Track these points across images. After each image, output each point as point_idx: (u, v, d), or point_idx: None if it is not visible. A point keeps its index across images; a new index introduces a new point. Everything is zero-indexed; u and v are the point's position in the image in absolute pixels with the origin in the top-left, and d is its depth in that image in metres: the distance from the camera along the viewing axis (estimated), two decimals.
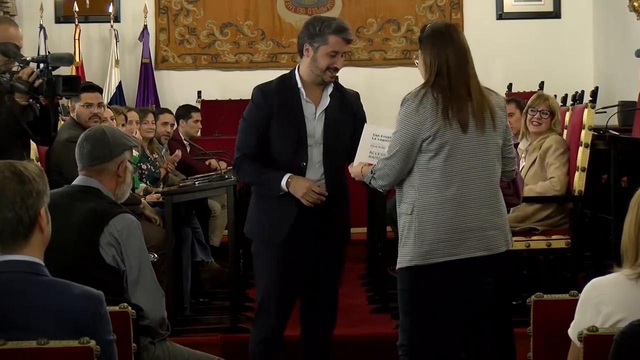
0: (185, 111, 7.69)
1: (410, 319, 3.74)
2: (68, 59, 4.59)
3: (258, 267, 4.17)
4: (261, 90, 4.11)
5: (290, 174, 3.96)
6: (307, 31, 4.06)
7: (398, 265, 3.71)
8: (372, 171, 3.70)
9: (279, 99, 4.05)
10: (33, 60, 4.43)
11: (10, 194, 2.45)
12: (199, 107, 8.72)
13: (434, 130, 3.58)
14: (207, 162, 7.46)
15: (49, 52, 4.54)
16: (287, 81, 4.11)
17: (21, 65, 4.39)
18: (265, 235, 4.09)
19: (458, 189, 3.60)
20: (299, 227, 4.02)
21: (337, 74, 4.09)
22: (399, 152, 3.62)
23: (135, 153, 5.93)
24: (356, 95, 4.30)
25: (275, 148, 4.04)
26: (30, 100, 4.39)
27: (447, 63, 3.63)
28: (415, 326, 3.73)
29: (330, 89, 4.10)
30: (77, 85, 4.51)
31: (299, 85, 4.07)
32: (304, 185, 3.95)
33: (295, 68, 4.14)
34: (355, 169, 3.87)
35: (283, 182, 3.96)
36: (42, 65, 4.39)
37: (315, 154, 4.04)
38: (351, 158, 3.97)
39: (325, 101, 4.08)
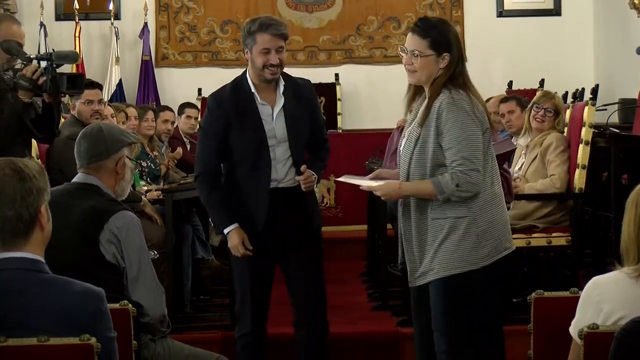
0: (180, 107, 7.71)
1: (467, 325, 3.65)
2: (72, 57, 4.60)
3: (235, 269, 4.22)
4: (215, 98, 4.13)
5: (233, 228, 4.03)
6: (242, 36, 4.13)
7: (456, 271, 3.56)
8: (457, 185, 3.49)
9: (233, 105, 4.06)
10: (37, 58, 4.43)
11: (11, 191, 2.45)
12: (197, 104, 8.72)
13: (483, 129, 3.62)
14: None
15: (53, 50, 4.53)
16: (239, 85, 4.12)
17: (24, 62, 4.39)
18: None
19: (498, 185, 3.68)
20: (270, 228, 4.05)
21: (277, 69, 4.05)
22: (480, 155, 3.56)
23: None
24: (309, 87, 4.27)
25: (237, 153, 4.06)
26: (33, 98, 4.39)
27: (464, 60, 3.68)
28: (470, 330, 3.67)
29: (282, 87, 4.10)
30: (80, 83, 4.51)
31: (252, 89, 4.08)
32: (236, 242, 4.02)
33: (245, 72, 4.15)
34: (387, 187, 3.69)
35: (226, 231, 4.04)
36: (46, 62, 4.39)
37: (280, 152, 4.06)
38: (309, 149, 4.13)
39: (280, 101, 4.09)
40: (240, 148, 4.04)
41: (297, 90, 4.15)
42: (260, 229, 4.04)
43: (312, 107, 4.21)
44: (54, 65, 4.32)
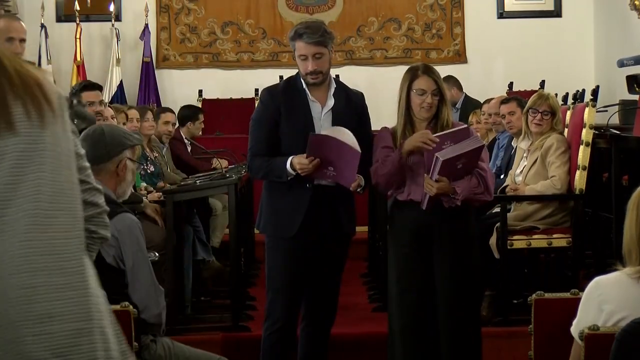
0: (192, 113, 7.68)
1: None
2: (91, 119, 4.59)
3: (270, 261, 4.24)
4: (268, 90, 4.24)
5: (293, 156, 4.03)
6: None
7: None
8: None
9: (285, 99, 4.16)
10: None
11: None
12: (198, 105, 8.73)
13: None
14: (211, 164, 7.48)
15: (76, 102, 4.51)
16: (292, 82, 4.23)
17: None
18: (276, 229, 4.16)
19: None
20: (308, 221, 4.11)
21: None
22: None
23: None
24: (360, 96, 4.34)
25: (285, 147, 4.13)
26: None
27: None
28: None
29: (332, 89, 4.20)
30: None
31: (304, 86, 4.17)
32: (297, 161, 4.01)
33: (298, 71, 4.24)
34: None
35: (288, 164, 4.04)
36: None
37: None
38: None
39: (330, 101, 4.18)
40: (288, 140, 4.12)
41: (349, 98, 4.25)
42: (299, 221, 4.10)
43: (361, 116, 4.27)
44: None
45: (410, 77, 4.16)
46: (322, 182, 4.11)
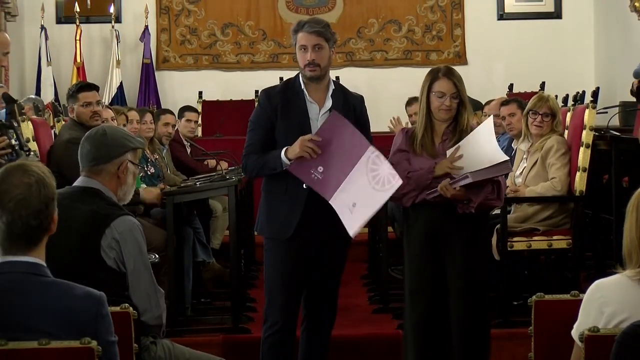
0: (179, 111, 7.70)
1: None
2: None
3: (268, 264, 4.24)
4: (266, 92, 4.24)
5: (285, 148, 4.03)
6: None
7: None
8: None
9: (283, 100, 4.16)
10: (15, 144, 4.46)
11: (37, 202, 2.47)
12: (197, 107, 8.73)
13: None
14: (205, 162, 7.48)
15: (29, 153, 4.55)
16: (291, 83, 4.23)
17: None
18: (273, 231, 4.16)
19: None
20: (305, 223, 4.10)
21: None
22: None
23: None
24: (360, 98, 4.34)
25: (281, 147, 4.11)
26: None
27: None
28: None
29: (331, 90, 4.19)
30: None
31: (302, 86, 4.17)
32: (297, 143, 3.99)
33: (299, 72, 4.26)
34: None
35: (282, 153, 4.03)
36: (17, 150, 4.43)
37: None
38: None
39: (328, 102, 4.18)
40: (284, 140, 4.11)
41: (347, 100, 4.24)
42: (295, 223, 4.10)
43: (359, 119, 4.25)
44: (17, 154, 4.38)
45: (431, 78, 4.20)
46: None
